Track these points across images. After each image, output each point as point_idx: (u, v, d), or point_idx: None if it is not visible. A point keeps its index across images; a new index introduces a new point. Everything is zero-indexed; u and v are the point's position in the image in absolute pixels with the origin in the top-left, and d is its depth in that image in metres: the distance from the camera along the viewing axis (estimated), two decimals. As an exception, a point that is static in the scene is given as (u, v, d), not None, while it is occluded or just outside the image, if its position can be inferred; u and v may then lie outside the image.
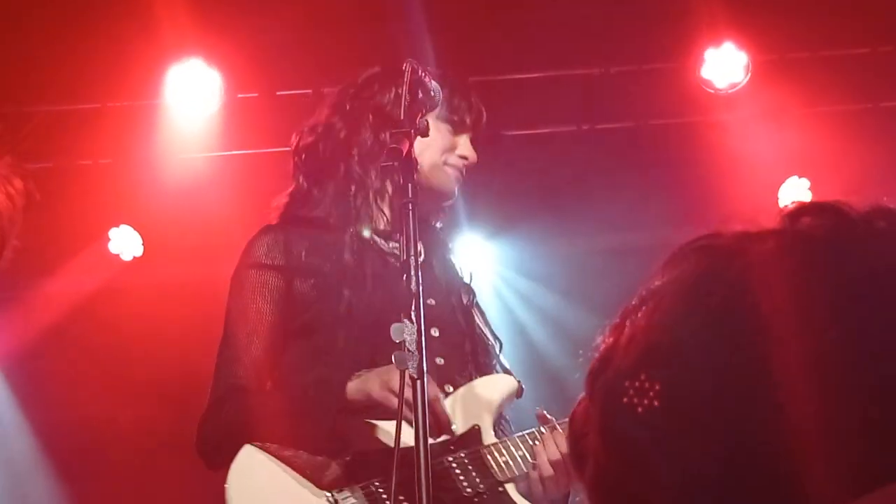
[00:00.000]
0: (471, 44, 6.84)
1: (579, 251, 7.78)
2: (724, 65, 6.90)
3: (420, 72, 3.37)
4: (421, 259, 3.66)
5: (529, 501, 3.47)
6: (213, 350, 7.48)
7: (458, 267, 3.91)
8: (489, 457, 3.46)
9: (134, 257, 7.85)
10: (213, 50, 6.80)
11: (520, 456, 3.47)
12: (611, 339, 1.20)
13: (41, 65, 6.68)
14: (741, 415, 1.11)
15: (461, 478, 3.42)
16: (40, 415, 7.99)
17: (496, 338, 3.84)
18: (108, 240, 7.78)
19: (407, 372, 2.95)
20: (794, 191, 7.45)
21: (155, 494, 7.55)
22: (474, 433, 3.48)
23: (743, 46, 6.87)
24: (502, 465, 3.46)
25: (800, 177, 7.48)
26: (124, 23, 6.40)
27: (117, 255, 7.82)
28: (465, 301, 3.79)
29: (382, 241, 3.73)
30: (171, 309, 7.69)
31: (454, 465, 3.43)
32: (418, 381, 2.94)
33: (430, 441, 3.31)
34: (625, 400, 1.15)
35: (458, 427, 3.47)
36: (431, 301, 3.57)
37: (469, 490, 3.41)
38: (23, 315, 7.82)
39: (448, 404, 3.48)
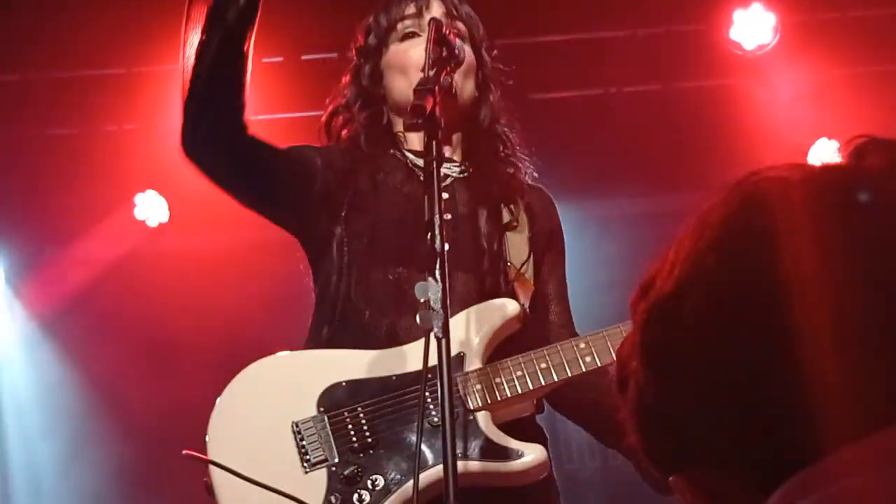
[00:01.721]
0: (498, 6, 6.79)
1: (608, 214, 7.75)
2: (753, 26, 6.86)
3: (445, 29, 3.34)
4: (462, 175, 3.67)
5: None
6: (239, 315, 7.51)
7: (518, 182, 3.75)
8: (464, 385, 3.37)
9: (160, 223, 7.86)
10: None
11: (496, 383, 3.37)
12: (655, 267, 1.25)
13: (66, 31, 6.69)
14: (757, 348, 1.14)
15: (431, 407, 3.33)
16: (69, 377, 8.04)
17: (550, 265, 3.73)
18: (135, 205, 7.80)
19: (433, 333, 2.92)
20: (824, 153, 7.40)
21: (171, 454, 7.60)
22: (456, 360, 3.34)
23: (771, 7, 6.83)
24: (476, 392, 3.37)
25: (829, 139, 7.43)
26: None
27: (143, 222, 7.84)
28: (506, 217, 3.67)
29: (414, 158, 3.68)
30: (198, 274, 7.71)
31: (427, 394, 3.29)
32: (443, 341, 2.91)
33: (410, 370, 3.35)
34: (663, 321, 1.20)
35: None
36: (448, 216, 3.51)
37: (437, 419, 3.28)
38: (50, 280, 7.86)
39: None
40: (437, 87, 3.13)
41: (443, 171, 3.59)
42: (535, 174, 3.82)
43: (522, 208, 3.71)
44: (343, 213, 3.58)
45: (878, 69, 7.18)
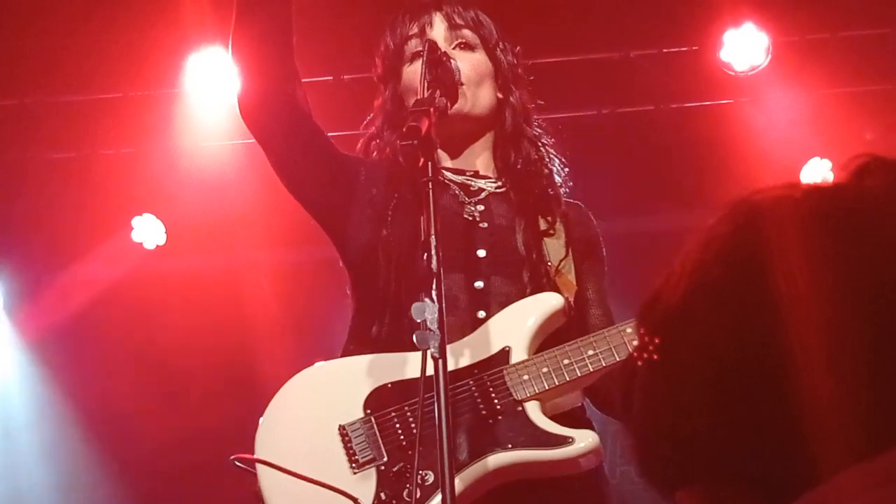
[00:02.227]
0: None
1: (602, 234, 7.76)
2: (745, 46, 6.89)
3: (438, 51, 3.36)
4: (499, 190, 3.65)
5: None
6: (238, 337, 7.51)
7: (555, 194, 3.71)
8: (511, 376, 3.37)
9: (157, 246, 7.87)
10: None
11: (543, 373, 3.35)
12: (662, 281, 1.24)
13: (64, 55, 6.71)
14: (762, 364, 1.14)
15: (478, 400, 3.35)
16: (66, 400, 8.03)
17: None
18: (132, 228, 7.81)
19: (429, 352, 2.93)
20: (816, 172, 7.42)
21: (175, 474, 7.59)
22: (502, 354, 3.38)
23: (763, 27, 6.85)
24: (523, 383, 3.35)
25: (821, 158, 7.45)
26: (146, 12, 6.41)
27: (140, 244, 7.85)
28: (543, 226, 3.64)
29: (451, 175, 3.66)
30: (195, 297, 7.72)
31: (474, 387, 3.36)
32: (440, 361, 2.92)
33: (454, 367, 3.32)
34: (668, 336, 1.20)
35: (487, 351, 3.40)
36: (484, 224, 3.57)
37: (485, 411, 3.34)
38: (48, 304, 7.86)
39: (479, 331, 3.43)
40: (432, 109, 3.15)
41: (478, 185, 3.64)
42: (568, 178, 3.80)
43: (559, 217, 3.68)
44: (389, 218, 3.58)
45: (870, 88, 7.21)
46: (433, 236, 3.01)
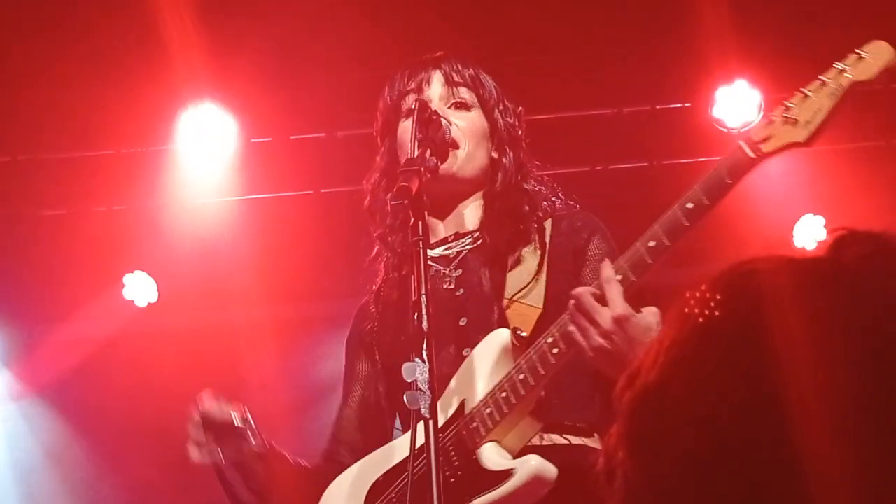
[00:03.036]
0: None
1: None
2: (738, 103, 6.90)
3: (429, 110, 3.36)
4: (476, 244, 3.60)
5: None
6: (229, 395, 7.46)
7: (525, 228, 3.61)
8: (463, 430, 3.32)
9: (149, 303, 7.86)
10: (226, 95, 6.82)
11: (487, 413, 3.29)
12: (640, 359, 1.24)
13: (56, 112, 6.71)
14: (740, 437, 1.14)
15: (442, 465, 3.22)
16: (54, 459, 7.99)
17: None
18: (123, 286, 7.80)
19: (420, 412, 2.91)
20: (810, 228, 7.43)
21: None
22: (459, 410, 3.35)
23: (756, 84, 6.87)
24: (471, 431, 3.31)
25: (815, 214, 7.45)
26: (138, 69, 6.43)
27: (132, 301, 7.83)
28: (509, 265, 3.53)
29: (430, 252, 3.51)
30: (187, 355, 7.69)
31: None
32: (430, 422, 2.90)
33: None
34: (647, 409, 1.20)
35: (447, 414, 3.37)
36: (461, 291, 3.55)
37: (448, 473, 3.27)
38: (39, 360, 7.83)
39: (442, 397, 3.37)
40: (422, 168, 3.15)
41: (455, 249, 3.61)
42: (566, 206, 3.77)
43: (536, 245, 3.57)
44: (375, 332, 3.66)
45: (862, 145, 7.22)
46: (424, 295, 3.00)
